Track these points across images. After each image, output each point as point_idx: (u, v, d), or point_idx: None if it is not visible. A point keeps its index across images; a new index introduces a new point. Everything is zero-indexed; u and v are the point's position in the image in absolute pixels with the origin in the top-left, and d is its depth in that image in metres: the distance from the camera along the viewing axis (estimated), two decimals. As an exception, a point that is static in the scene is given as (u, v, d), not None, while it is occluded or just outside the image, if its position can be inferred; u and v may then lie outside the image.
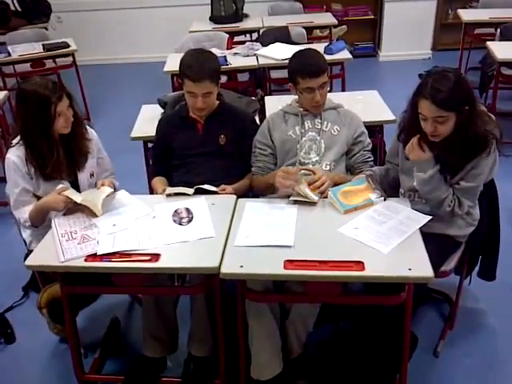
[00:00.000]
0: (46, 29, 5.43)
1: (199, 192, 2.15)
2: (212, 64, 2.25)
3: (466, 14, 4.86)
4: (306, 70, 2.17)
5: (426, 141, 1.94)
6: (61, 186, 2.08)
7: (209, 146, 2.35)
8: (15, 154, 2.12)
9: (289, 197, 2.05)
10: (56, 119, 2.04)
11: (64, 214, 2.04)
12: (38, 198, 2.15)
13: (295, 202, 2.03)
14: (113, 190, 2.11)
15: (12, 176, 2.12)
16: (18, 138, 2.14)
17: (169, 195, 2.16)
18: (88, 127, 2.30)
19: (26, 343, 2.47)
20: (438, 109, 1.82)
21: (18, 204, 2.14)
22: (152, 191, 2.73)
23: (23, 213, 2.12)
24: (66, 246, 1.85)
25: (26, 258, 1.91)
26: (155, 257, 1.79)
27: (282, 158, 2.31)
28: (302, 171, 2.19)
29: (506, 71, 3.82)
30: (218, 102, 2.38)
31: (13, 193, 2.13)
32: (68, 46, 4.53)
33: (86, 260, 1.80)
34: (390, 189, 2.16)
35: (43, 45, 4.47)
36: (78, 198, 2.00)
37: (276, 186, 2.09)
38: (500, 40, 4.17)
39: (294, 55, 2.29)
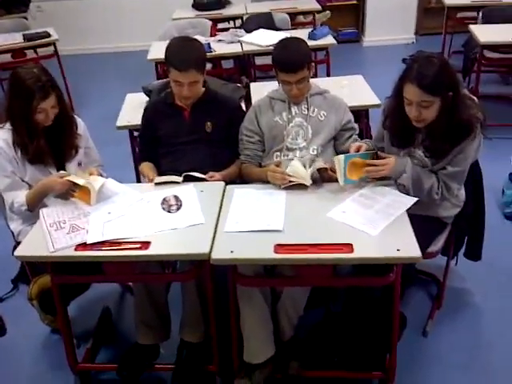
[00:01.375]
0: (26, 18, 5.32)
1: (188, 179, 2.15)
2: (198, 53, 2.24)
3: (449, -2, 4.87)
4: (283, 65, 2.16)
5: (411, 127, 1.96)
6: (62, 171, 2.10)
7: (195, 133, 2.34)
8: (1, 139, 2.12)
9: None
10: (36, 114, 2.05)
11: (56, 197, 2.05)
12: (27, 183, 2.15)
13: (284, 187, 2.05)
14: (104, 180, 2.10)
15: (0, 160, 2.11)
16: (8, 122, 2.14)
17: (158, 184, 2.15)
18: (76, 117, 2.29)
19: (18, 335, 2.47)
20: (423, 93, 1.84)
21: (10, 187, 2.13)
22: (139, 179, 2.73)
23: (17, 196, 2.12)
24: (55, 236, 1.84)
25: (14, 250, 1.90)
26: (145, 244, 1.80)
27: (270, 144, 2.32)
28: (289, 157, 2.22)
29: (489, 54, 3.86)
30: (203, 89, 2.37)
31: (2, 177, 2.12)
32: (49, 35, 4.46)
33: (75, 249, 1.80)
34: None
35: (23, 35, 4.40)
36: (80, 181, 2.00)
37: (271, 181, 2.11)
38: (482, 23, 4.20)
39: (278, 44, 2.27)
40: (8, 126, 2.14)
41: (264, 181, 2.15)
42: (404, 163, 1.98)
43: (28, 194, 2.12)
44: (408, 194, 1.97)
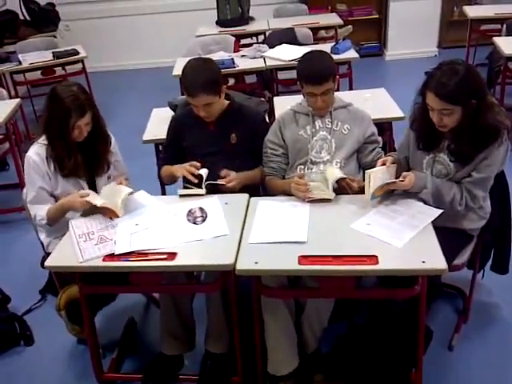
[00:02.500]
0: (55, 37, 5.49)
1: (210, 189, 2.19)
2: (207, 76, 2.21)
3: (472, 11, 4.87)
4: (308, 77, 2.18)
5: (437, 131, 1.96)
6: (82, 191, 2.14)
7: (220, 144, 2.38)
8: (35, 153, 2.18)
9: None
10: (72, 130, 2.11)
11: (81, 215, 2.09)
12: (55, 197, 2.20)
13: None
14: (132, 190, 2.15)
15: (31, 174, 2.18)
16: (44, 136, 2.20)
17: (182, 196, 2.19)
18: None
19: (45, 345, 2.51)
20: (442, 102, 1.85)
21: (35, 201, 2.19)
22: (164, 192, 2.77)
23: (39, 209, 2.18)
24: (83, 247, 1.89)
25: (43, 261, 1.96)
26: (171, 255, 1.83)
27: (294, 158, 2.34)
28: (313, 171, 2.23)
29: (514, 66, 3.83)
30: (227, 101, 2.41)
31: (30, 190, 2.19)
32: (77, 53, 4.60)
33: (103, 260, 1.84)
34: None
35: (53, 53, 4.54)
36: (98, 202, 2.04)
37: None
38: (506, 35, 4.18)
39: (303, 57, 2.30)
40: (42, 140, 2.20)
41: (287, 193, 2.17)
42: (424, 178, 1.98)
43: (49, 209, 2.17)
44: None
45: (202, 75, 2.21)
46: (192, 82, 2.22)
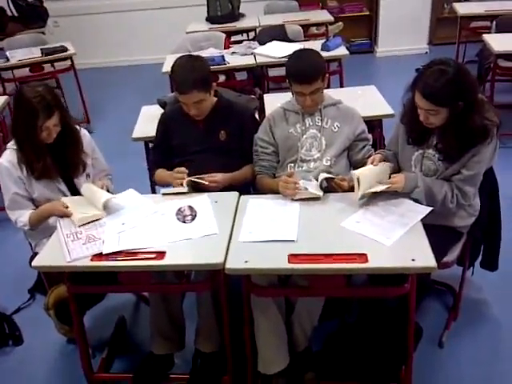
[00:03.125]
0: (44, 33, 5.44)
1: (193, 187, 2.18)
2: (198, 73, 2.21)
3: (462, 8, 4.88)
4: (297, 76, 2.17)
5: (425, 126, 1.96)
6: (64, 200, 2.10)
7: (209, 142, 2.36)
8: (7, 160, 2.16)
9: None
10: (40, 132, 2.08)
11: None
12: (33, 200, 2.19)
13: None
14: (114, 196, 2.13)
15: (4, 180, 2.16)
16: (13, 141, 2.17)
17: (165, 194, 2.19)
18: (81, 129, 2.32)
19: (34, 345, 2.49)
20: (428, 103, 1.85)
21: (12, 207, 2.18)
22: (154, 190, 2.76)
23: (21, 215, 2.16)
24: (71, 247, 1.87)
25: (31, 261, 1.93)
26: (160, 255, 1.81)
27: (284, 156, 2.33)
28: (303, 169, 2.23)
29: (503, 63, 3.84)
30: (215, 98, 2.39)
31: (6, 197, 2.18)
32: (66, 49, 4.55)
33: (91, 259, 1.82)
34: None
35: (41, 49, 4.48)
36: (77, 216, 2.00)
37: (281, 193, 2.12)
38: (496, 32, 4.18)
39: (291, 56, 2.28)
40: (12, 145, 2.17)
41: (275, 192, 2.16)
42: (415, 178, 1.97)
43: (31, 214, 2.15)
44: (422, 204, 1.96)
45: (193, 72, 2.20)
46: (183, 79, 2.21)
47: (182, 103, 2.28)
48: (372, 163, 2.05)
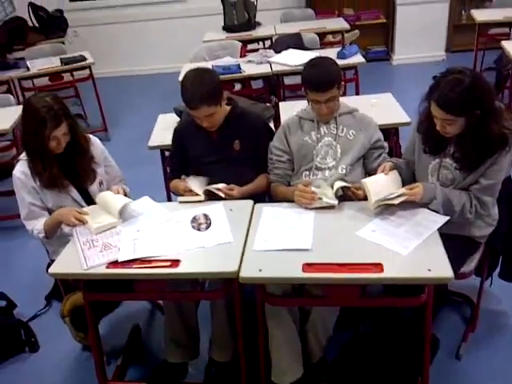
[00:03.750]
0: (63, 43, 5.53)
1: (210, 196, 2.19)
2: (207, 88, 2.18)
3: (480, 15, 4.83)
4: (313, 84, 2.16)
5: (442, 135, 1.94)
6: (83, 209, 2.12)
7: (223, 152, 2.37)
8: (20, 170, 2.18)
9: None
10: (49, 142, 2.09)
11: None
12: (49, 209, 2.21)
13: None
14: (130, 200, 2.15)
15: (19, 192, 2.19)
16: (24, 152, 2.20)
17: (182, 202, 2.20)
18: (91, 136, 2.34)
19: (50, 351, 2.51)
20: (444, 112, 1.83)
21: (28, 217, 2.21)
22: (170, 198, 2.78)
23: (36, 224, 2.19)
24: (88, 254, 1.89)
25: (48, 268, 1.95)
26: (175, 263, 1.82)
27: (299, 164, 2.32)
28: (318, 177, 2.22)
29: (522, 70, 3.80)
30: (228, 107, 2.39)
31: (22, 208, 2.21)
32: (85, 59, 4.61)
33: (107, 267, 1.83)
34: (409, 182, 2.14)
35: (61, 59, 4.56)
36: (93, 226, 2.02)
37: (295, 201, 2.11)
38: (515, 39, 4.14)
39: (307, 64, 2.28)
40: (24, 156, 2.20)
41: (290, 200, 2.15)
42: (433, 189, 1.94)
43: (45, 222, 2.18)
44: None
45: (202, 87, 2.18)
46: (192, 95, 2.20)
47: (194, 116, 2.29)
48: (382, 172, 2.03)
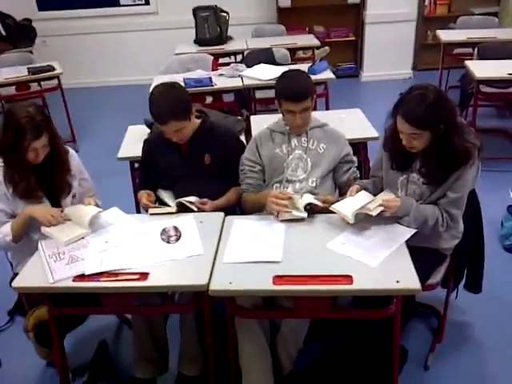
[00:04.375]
0: (31, 52, 5.45)
1: (182, 208, 2.17)
2: (175, 103, 2.19)
3: (445, 35, 4.99)
4: (288, 94, 2.19)
5: (408, 151, 1.99)
6: (56, 213, 2.08)
7: (193, 166, 2.36)
8: None
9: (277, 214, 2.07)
10: (27, 152, 2.05)
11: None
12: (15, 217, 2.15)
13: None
14: (101, 209, 2.12)
15: None
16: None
17: (152, 214, 2.17)
18: (68, 148, 2.29)
19: (13, 368, 2.42)
20: (410, 127, 1.88)
21: None
22: (139, 210, 2.74)
23: (1, 227, 2.12)
24: (54, 267, 1.84)
25: (11, 281, 1.89)
26: (143, 276, 1.79)
27: (270, 176, 2.33)
28: (289, 189, 2.24)
29: (485, 89, 3.93)
30: (198, 120, 2.39)
31: None
32: (53, 69, 4.54)
33: (74, 280, 1.79)
34: None
35: (28, 68, 4.48)
36: (63, 237, 1.99)
37: (267, 206, 2.11)
38: (478, 59, 4.28)
39: (282, 75, 2.31)
40: (1, 161, 2.14)
41: (261, 206, 2.15)
42: (410, 205, 1.96)
43: (13, 222, 2.11)
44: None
45: (170, 102, 2.18)
46: (161, 110, 2.20)
47: (164, 131, 2.28)
48: (350, 195, 2.06)
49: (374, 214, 1.94)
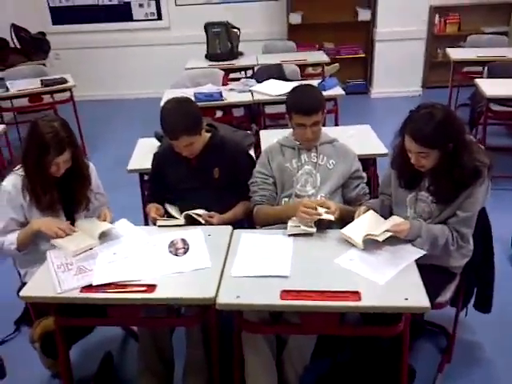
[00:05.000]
0: (45, 65, 5.52)
1: (190, 221, 2.18)
2: (186, 119, 2.21)
3: (455, 53, 5.01)
4: (300, 107, 2.20)
5: (416, 170, 1.98)
6: (64, 226, 2.08)
7: (202, 179, 2.37)
8: (11, 183, 2.14)
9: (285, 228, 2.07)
10: (50, 167, 2.07)
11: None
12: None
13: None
14: (114, 226, 2.13)
15: (3, 205, 2.13)
16: (19, 167, 2.16)
17: (161, 226, 2.18)
18: (89, 162, 2.31)
19: (18, 378, 2.40)
20: (418, 146, 1.88)
21: (3, 231, 2.14)
22: (148, 222, 2.75)
23: (8, 236, 2.13)
24: (62, 278, 1.85)
25: (19, 291, 1.90)
26: (151, 288, 1.79)
27: (279, 190, 2.33)
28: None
29: (495, 107, 3.93)
30: (208, 134, 2.40)
31: (0, 220, 2.14)
32: (66, 81, 4.61)
33: (81, 291, 1.79)
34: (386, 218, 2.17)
35: (41, 80, 4.54)
36: (72, 247, 2.00)
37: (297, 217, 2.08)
38: (488, 77, 4.29)
39: (294, 89, 2.33)
40: (19, 170, 2.16)
41: (277, 220, 2.14)
42: (419, 227, 1.95)
43: (19, 232, 2.12)
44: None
45: (182, 118, 2.20)
46: (173, 126, 2.21)
47: (174, 145, 2.29)
48: (358, 217, 2.06)
49: (380, 239, 1.93)
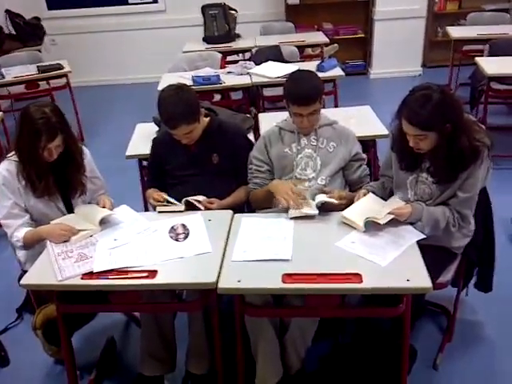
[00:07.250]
0: (40, 51, 5.46)
1: (189, 207, 2.17)
2: (184, 107, 2.18)
3: (455, 32, 4.95)
4: (296, 97, 2.16)
5: (415, 152, 1.96)
6: (63, 225, 2.06)
7: (202, 165, 2.35)
8: (5, 169, 2.13)
9: (287, 211, 2.06)
10: (42, 152, 2.05)
11: None
12: (28, 211, 2.15)
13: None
14: (114, 212, 2.13)
15: (2, 190, 2.12)
16: (13, 153, 2.15)
17: (160, 212, 2.17)
18: (84, 148, 2.30)
19: (21, 366, 2.43)
20: (415, 128, 1.86)
21: (8, 216, 2.12)
22: (147, 208, 2.75)
23: (17, 230, 2.11)
24: (62, 265, 1.84)
25: (20, 279, 1.90)
26: (152, 273, 1.79)
27: (279, 174, 2.32)
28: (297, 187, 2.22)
29: (496, 86, 3.89)
30: (207, 119, 2.37)
31: (3, 206, 2.12)
32: (62, 67, 4.56)
33: (82, 278, 1.79)
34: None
35: (37, 66, 4.50)
36: (71, 239, 1.99)
37: (277, 199, 2.09)
38: (488, 56, 4.24)
39: (290, 77, 2.28)
40: (13, 156, 2.14)
41: (269, 197, 2.15)
42: (420, 210, 1.95)
43: (27, 233, 2.10)
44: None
45: (180, 107, 2.17)
46: (171, 115, 2.19)
47: (173, 134, 2.27)
48: (357, 200, 2.05)
49: (382, 222, 1.92)
